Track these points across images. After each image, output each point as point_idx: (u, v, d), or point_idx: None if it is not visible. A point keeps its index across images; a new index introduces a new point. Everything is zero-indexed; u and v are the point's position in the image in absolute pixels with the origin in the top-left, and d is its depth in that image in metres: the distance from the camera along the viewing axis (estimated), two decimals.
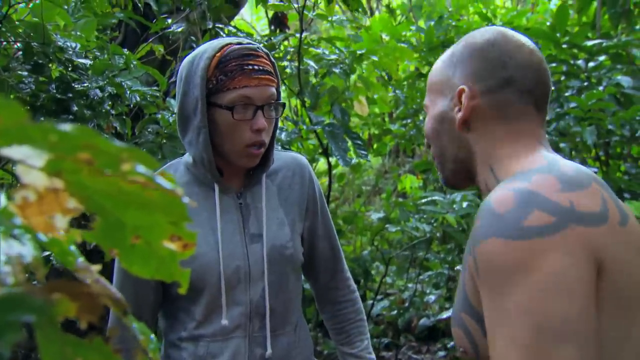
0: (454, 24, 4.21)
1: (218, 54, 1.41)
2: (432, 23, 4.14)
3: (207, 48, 1.43)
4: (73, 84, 2.12)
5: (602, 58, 3.71)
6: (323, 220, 1.62)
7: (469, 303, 0.98)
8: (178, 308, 1.49)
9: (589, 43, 3.72)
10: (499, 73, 1.05)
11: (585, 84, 3.59)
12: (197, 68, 1.41)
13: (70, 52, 2.16)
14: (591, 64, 3.66)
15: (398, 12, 5.46)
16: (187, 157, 1.52)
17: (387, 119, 5.14)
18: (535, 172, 0.96)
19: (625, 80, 3.54)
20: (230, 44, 1.43)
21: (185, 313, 1.48)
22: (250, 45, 1.43)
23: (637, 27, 3.94)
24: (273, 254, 1.48)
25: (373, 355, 1.69)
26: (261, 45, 1.47)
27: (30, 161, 0.34)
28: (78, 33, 2.29)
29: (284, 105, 1.52)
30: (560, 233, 0.87)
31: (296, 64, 3.22)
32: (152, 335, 0.45)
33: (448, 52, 1.14)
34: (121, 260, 0.40)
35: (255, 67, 1.40)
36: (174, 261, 0.40)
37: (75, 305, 0.36)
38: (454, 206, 3.33)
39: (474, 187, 3.77)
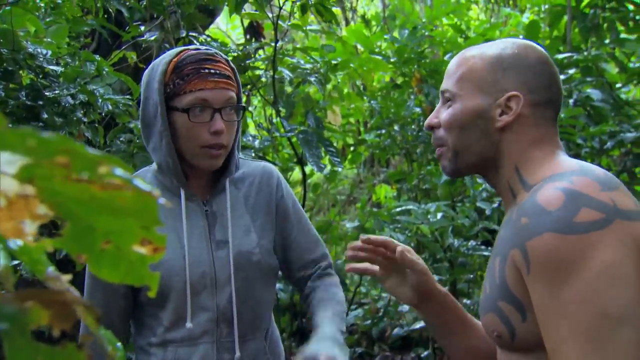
0: (427, 34, 4.25)
1: (175, 59, 1.43)
2: (406, 35, 4.17)
3: (166, 55, 1.46)
4: (44, 91, 2.09)
5: (572, 71, 3.78)
6: (298, 225, 1.61)
7: (509, 293, 1.05)
8: (146, 314, 1.49)
9: (560, 56, 3.79)
10: (546, 92, 1.14)
11: None
12: (156, 74, 1.43)
13: (41, 59, 2.13)
14: (562, 77, 3.72)
15: (373, 22, 5.49)
16: (154, 165, 1.53)
17: (362, 129, 5.16)
18: (573, 174, 1.03)
19: (594, 93, 3.61)
20: (188, 49, 1.46)
21: (153, 318, 1.48)
22: (208, 51, 1.46)
23: (607, 41, 4.02)
24: (239, 260, 1.49)
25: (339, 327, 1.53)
26: (221, 52, 1.49)
27: (3, 168, 0.34)
28: (49, 39, 2.25)
29: (244, 108, 1.53)
30: (609, 227, 0.96)
31: (271, 73, 3.22)
32: (119, 344, 0.44)
33: (494, 53, 1.16)
34: (90, 265, 0.39)
35: (212, 71, 1.42)
36: (144, 265, 0.39)
37: (48, 313, 0.35)
38: (428, 216, 3.35)
39: (448, 198, 3.74)
